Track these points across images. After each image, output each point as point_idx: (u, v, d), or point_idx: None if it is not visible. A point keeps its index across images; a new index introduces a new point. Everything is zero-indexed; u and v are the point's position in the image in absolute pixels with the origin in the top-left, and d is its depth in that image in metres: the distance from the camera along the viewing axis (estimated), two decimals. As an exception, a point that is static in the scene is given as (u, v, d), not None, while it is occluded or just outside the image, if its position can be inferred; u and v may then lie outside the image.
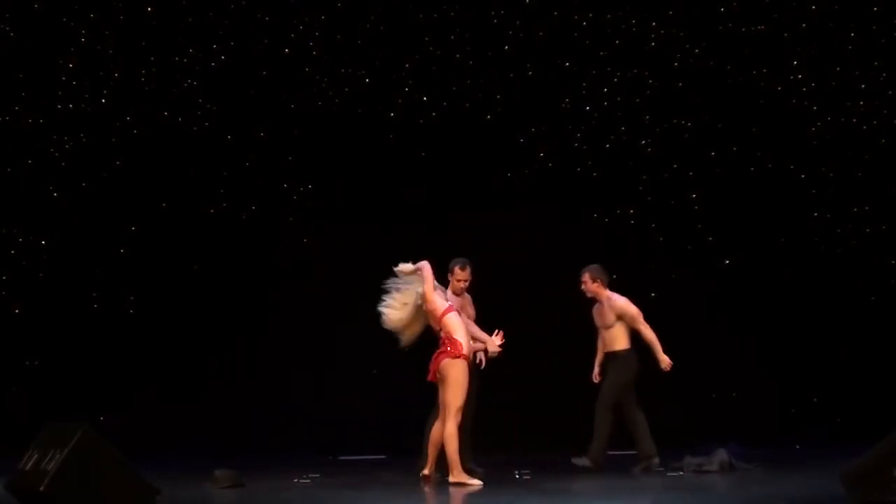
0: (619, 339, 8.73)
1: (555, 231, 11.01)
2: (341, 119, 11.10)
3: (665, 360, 8.63)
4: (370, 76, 11.13)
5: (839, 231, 11.09)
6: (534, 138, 11.19)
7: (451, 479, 7.79)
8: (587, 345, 10.74)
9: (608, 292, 8.78)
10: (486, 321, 8.58)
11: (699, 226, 11.18)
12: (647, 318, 10.78)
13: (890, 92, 10.99)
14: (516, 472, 8.57)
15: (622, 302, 8.75)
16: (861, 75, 11.01)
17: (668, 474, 8.41)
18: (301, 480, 8.41)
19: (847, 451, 7.28)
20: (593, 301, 8.85)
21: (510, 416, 10.13)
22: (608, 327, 8.76)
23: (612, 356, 8.76)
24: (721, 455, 8.58)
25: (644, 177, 11.19)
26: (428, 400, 8.60)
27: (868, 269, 11.02)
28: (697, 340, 10.62)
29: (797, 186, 11.11)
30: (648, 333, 8.67)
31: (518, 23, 11.13)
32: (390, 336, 10.60)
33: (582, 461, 8.68)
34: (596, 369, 8.92)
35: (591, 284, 8.78)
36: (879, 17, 10.95)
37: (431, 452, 7.99)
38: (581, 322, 10.82)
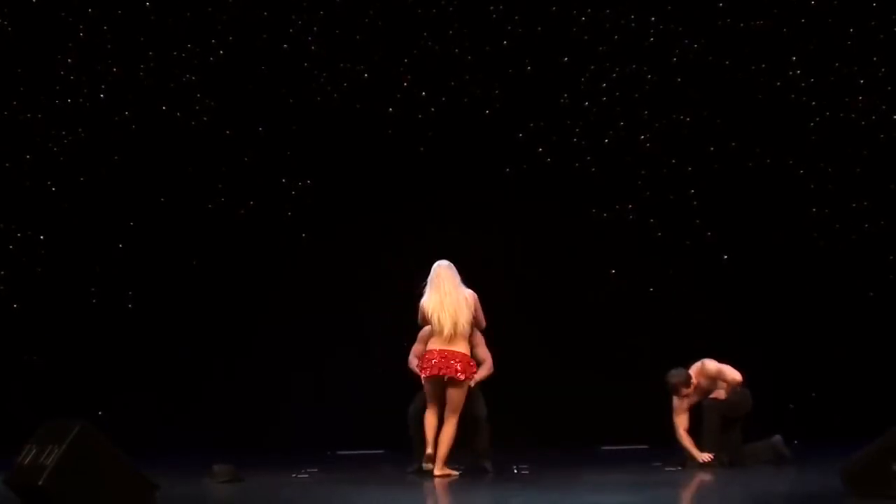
0: (726, 385, 8.63)
1: (553, 226, 11.00)
2: (340, 114, 11.08)
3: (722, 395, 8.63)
4: (368, 71, 11.12)
5: (838, 226, 11.08)
6: (532, 134, 11.18)
7: (441, 471, 7.95)
8: (585, 339, 10.79)
9: (695, 382, 8.62)
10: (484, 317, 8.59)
11: (697, 221, 11.18)
12: (646, 314, 10.86)
13: (889, 87, 10.98)
14: (514, 466, 8.57)
15: (714, 369, 8.65)
16: (860, 71, 11.00)
17: (666, 469, 8.42)
18: (299, 475, 8.42)
19: (846, 447, 7.28)
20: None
21: (508, 411, 10.10)
22: (716, 389, 8.66)
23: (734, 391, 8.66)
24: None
25: (643, 172, 11.18)
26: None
27: (867, 264, 11.02)
28: (695, 336, 10.62)
29: (796, 182, 11.10)
30: (734, 383, 8.59)
31: (516, 18, 11.12)
32: (390, 330, 10.68)
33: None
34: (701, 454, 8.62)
35: (692, 390, 8.61)
36: (878, 12, 10.94)
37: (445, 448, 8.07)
38: (579, 314, 10.87)
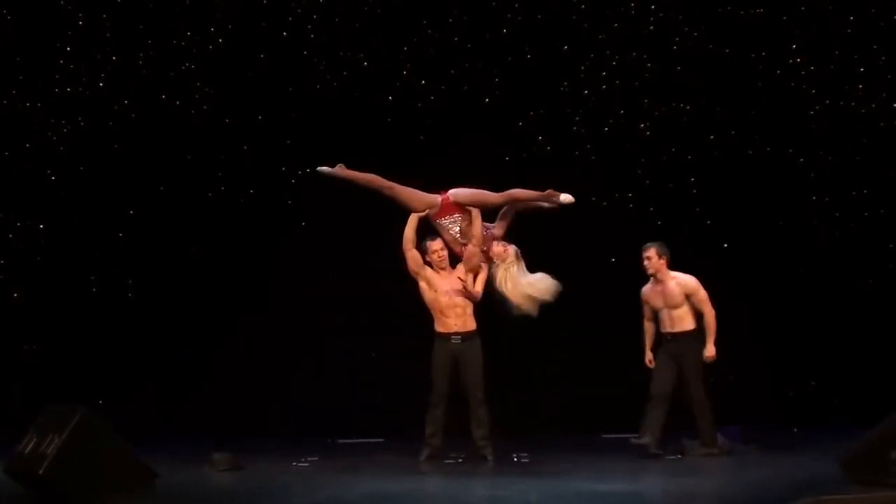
0: (686, 319, 8.61)
1: (552, 215, 10.98)
2: (339, 102, 11.07)
3: (712, 350, 8.55)
4: (368, 59, 11.11)
5: (837, 215, 11.08)
6: (532, 122, 11.17)
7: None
8: (585, 325, 10.78)
9: (670, 271, 8.70)
10: (484, 305, 8.61)
11: (697, 209, 11.18)
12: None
13: (889, 75, 10.96)
14: (514, 454, 8.59)
15: (694, 281, 8.65)
16: (860, 59, 10.99)
17: (667, 457, 8.43)
18: (299, 463, 8.43)
19: (845, 434, 7.31)
20: (645, 279, 8.77)
21: (508, 398, 10.13)
22: (676, 307, 8.63)
23: (680, 337, 8.62)
24: (719, 438, 8.61)
25: (642, 160, 11.18)
26: (426, 383, 8.61)
27: (866, 252, 11.02)
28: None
29: (796, 170, 11.10)
30: (712, 318, 8.56)
31: (516, 6, 11.10)
32: (389, 319, 10.69)
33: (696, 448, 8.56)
34: (650, 354, 8.82)
35: (656, 261, 8.64)
36: (878, 0, 10.93)
37: None
38: (579, 303, 10.87)
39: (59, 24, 10.87)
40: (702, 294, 8.62)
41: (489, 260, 8.42)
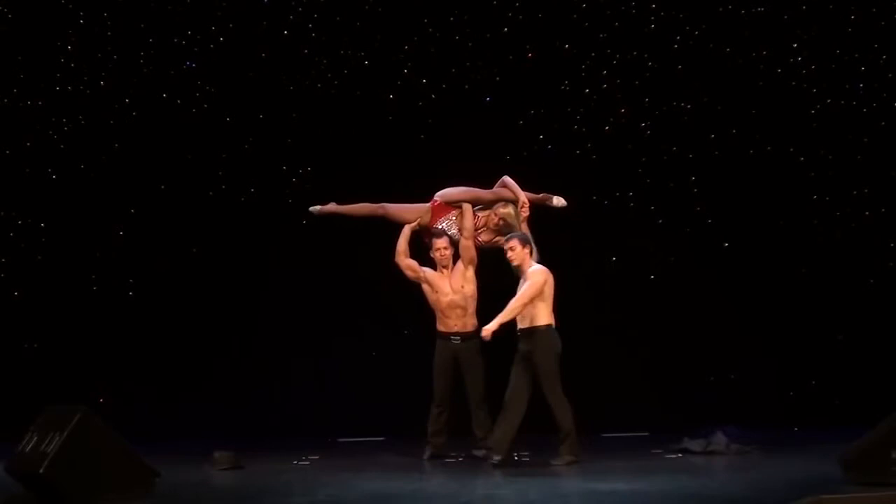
0: (538, 315, 8.03)
1: (553, 213, 10.98)
2: (340, 101, 11.07)
3: (491, 328, 7.82)
4: (369, 58, 11.10)
5: (838, 214, 11.08)
6: (533, 121, 11.16)
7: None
8: (585, 326, 10.78)
9: (535, 264, 8.16)
10: (482, 304, 8.62)
11: (698, 208, 11.17)
12: (648, 301, 10.84)
13: (890, 74, 10.96)
14: (515, 453, 8.59)
15: (539, 268, 8.07)
16: (861, 58, 10.99)
17: (667, 456, 8.43)
18: (300, 462, 8.43)
19: (846, 434, 7.30)
20: (518, 271, 8.20)
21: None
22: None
23: (528, 333, 8.04)
24: (719, 438, 8.61)
25: (643, 159, 11.17)
26: (427, 382, 8.62)
27: (867, 252, 11.01)
28: (696, 323, 10.63)
29: (796, 169, 11.09)
30: (518, 305, 7.89)
31: (517, 4, 11.10)
32: (389, 319, 10.69)
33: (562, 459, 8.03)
34: None
35: (520, 251, 8.11)
36: (879, -1, 10.95)
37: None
38: (579, 302, 10.87)
39: (59, 23, 10.87)
40: (533, 279, 7.98)
41: (496, 232, 8.53)
